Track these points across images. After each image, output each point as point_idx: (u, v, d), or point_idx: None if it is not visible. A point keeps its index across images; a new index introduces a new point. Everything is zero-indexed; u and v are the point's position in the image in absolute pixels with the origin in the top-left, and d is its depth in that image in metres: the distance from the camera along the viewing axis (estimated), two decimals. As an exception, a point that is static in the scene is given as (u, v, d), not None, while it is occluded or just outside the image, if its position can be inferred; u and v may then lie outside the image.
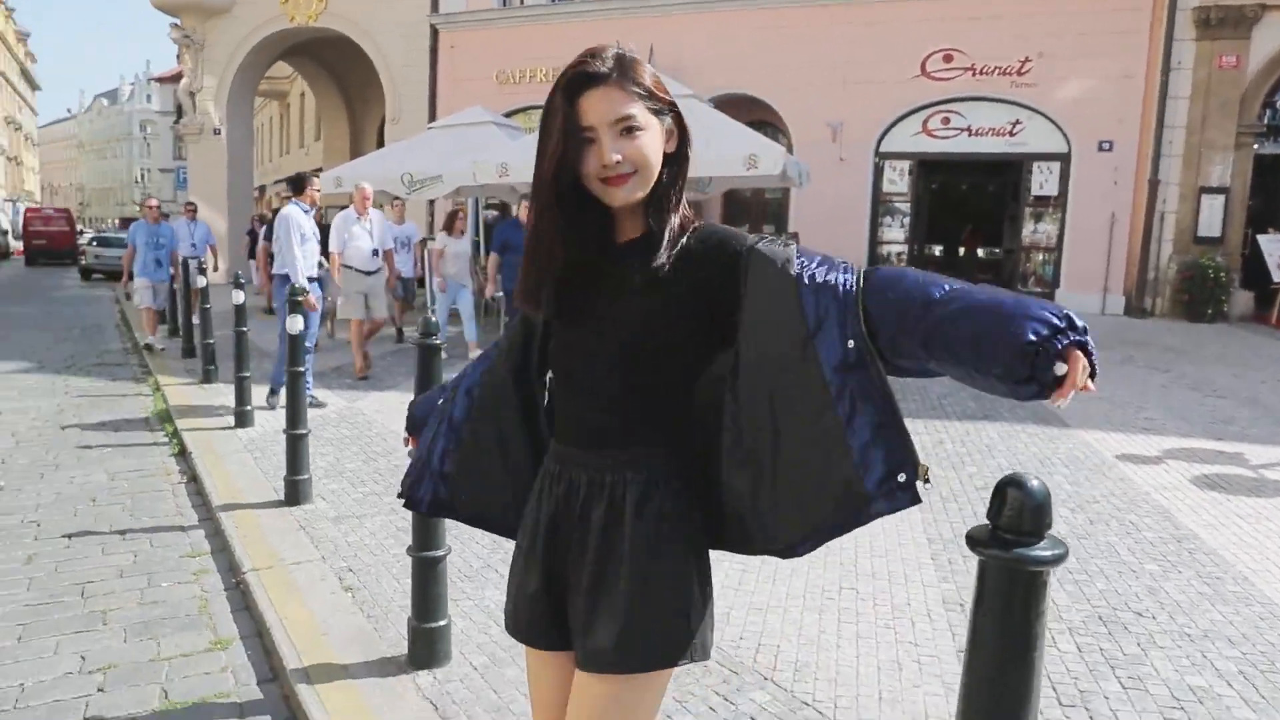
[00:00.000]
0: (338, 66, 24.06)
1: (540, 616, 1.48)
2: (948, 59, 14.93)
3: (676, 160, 1.44)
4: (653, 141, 1.39)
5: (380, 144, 20.60)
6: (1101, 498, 4.72)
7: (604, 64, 1.37)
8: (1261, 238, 13.78)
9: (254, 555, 3.94)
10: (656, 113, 1.40)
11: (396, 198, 11.06)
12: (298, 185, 7.16)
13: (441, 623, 2.92)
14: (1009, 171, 16.36)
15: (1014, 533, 1.13)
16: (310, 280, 6.77)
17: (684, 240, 1.41)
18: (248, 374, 6.35)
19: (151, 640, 3.30)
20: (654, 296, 1.37)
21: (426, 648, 2.91)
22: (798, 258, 1.32)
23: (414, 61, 18.91)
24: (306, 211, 7.06)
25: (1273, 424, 6.72)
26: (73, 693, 2.91)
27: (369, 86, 21.92)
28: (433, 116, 17.69)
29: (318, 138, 28.12)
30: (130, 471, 5.48)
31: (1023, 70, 14.53)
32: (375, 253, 8.20)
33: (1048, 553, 1.12)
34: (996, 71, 14.69)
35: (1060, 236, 14.83)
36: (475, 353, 9.06)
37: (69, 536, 4.34)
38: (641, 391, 1.40)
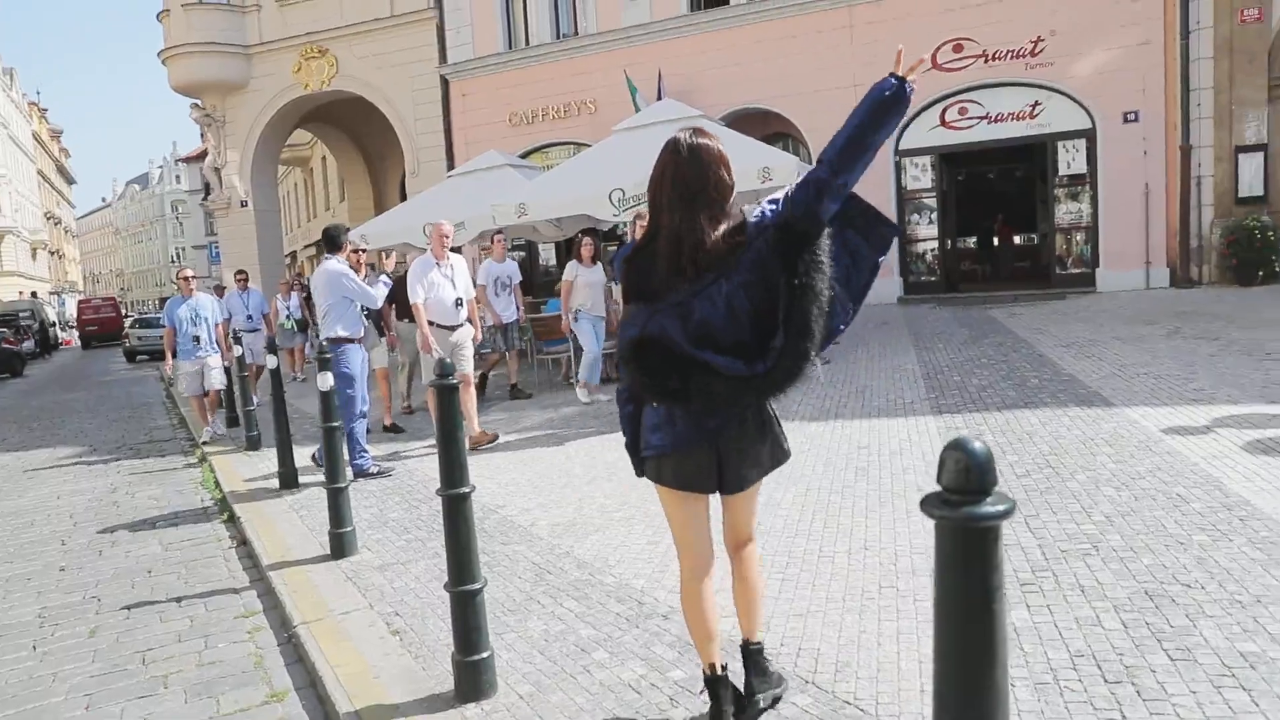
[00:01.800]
0: (354, 127, 24.71)
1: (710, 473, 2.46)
2: (958, 49, 14.85)
3: None
4: None
5: (403, 198, 21.04)
6: (1147, 474, 4.62)
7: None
8: (1305, 192, 13.39)
9: (304, 609, 4.03)
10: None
11: (499, 232, 10.22)
12: (333, 242, 6.60)
13: (484, 655, 2.96)
14: (1034, 154, 16.15)
15: (960, 493, 1.17)
16: (351, 341, 6.43)
17: None
18: (290, 436, 6.51)
19: (211, 699, 3.39)
20: None
21: (471, 680, 2.95)
22: None
23: (427, 114, 19.36)
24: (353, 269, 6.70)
25: (1328, 381, 6.51)
26: (136, 756, 3.01)
27: (387, 143, 22.48)
28: (451, 165, 18.06)
29: (342, 199, 28.83)
30: (183, 541, 5.65)
31: (1036, 51, 14.39)
32: (459, 303, 7.12)
33: (993, 508, 1.16)
34: (1009, 55, 14.57)
35: (1095, 215, 14.57)
36: (583, 394, 8.51)
37: (128, 608, 4.49)
38: None
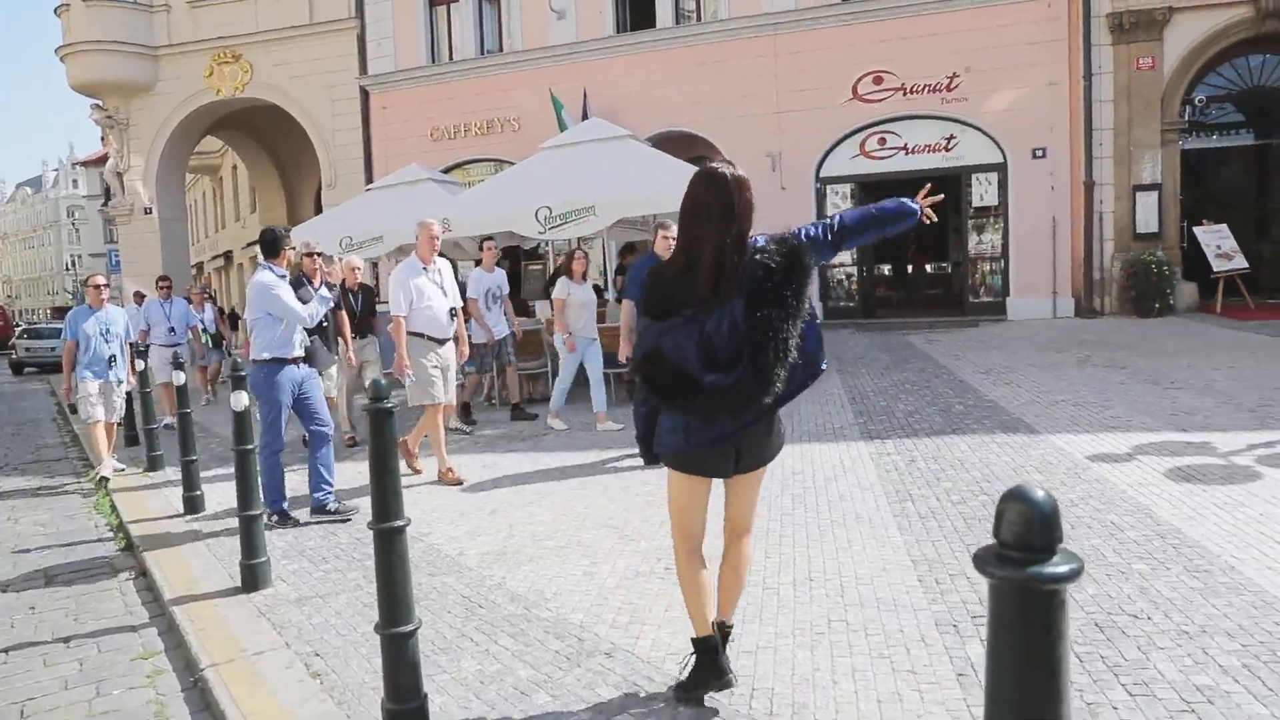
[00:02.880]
0: (269, 136, 23.89)
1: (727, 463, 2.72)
2: (878, 80, 15.23)
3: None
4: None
5: (318, 211, 20.40)
6: (1080, 501, 4.67)
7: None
8: (1197, 230, 14.12)
9: (212, 649, 3.71)
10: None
11: (489, 238, 9.15)
12: (271, 246, 5.58)
13: (418, 703, 2.73)
14: (948, 185, 16.59)
15: (1024, 550, 1.03)
16: (281, 362, 5.49)
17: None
18: (195, 457, 6.10)
19: (102, 755, 3.05)
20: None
21: (402, 733, 2.72)
22: None
23: (346, 125, 18.84)
24: (281, 277, 5.62)
25: (1232, 411, 6.77)
26: (15, 824, 2.67)
27: (302, 153, 21.79)
28: (369, 179, 17.59)
29: (254, 209, 27.84)
30: (72, 572, 5.19)
31: (951, 86, 14.86)
32: (452, 314, 6.41)
33: (1063, 568, 1.02)
34: (927, 89, 15.00)
35: (1005, 245, 15.07)
36: (605, 424, 7.74)
37: (5, 651, 4.06)
38: None
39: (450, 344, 6.43)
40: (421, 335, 6.24)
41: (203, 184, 35.60)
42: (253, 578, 4.37)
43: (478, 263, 9.23)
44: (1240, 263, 13.73)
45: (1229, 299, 13.52)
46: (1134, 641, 3.02)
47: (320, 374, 6.12)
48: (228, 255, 33.10)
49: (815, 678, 2.97)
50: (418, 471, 6.56)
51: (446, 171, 16.74)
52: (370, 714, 2.95)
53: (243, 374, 4.55)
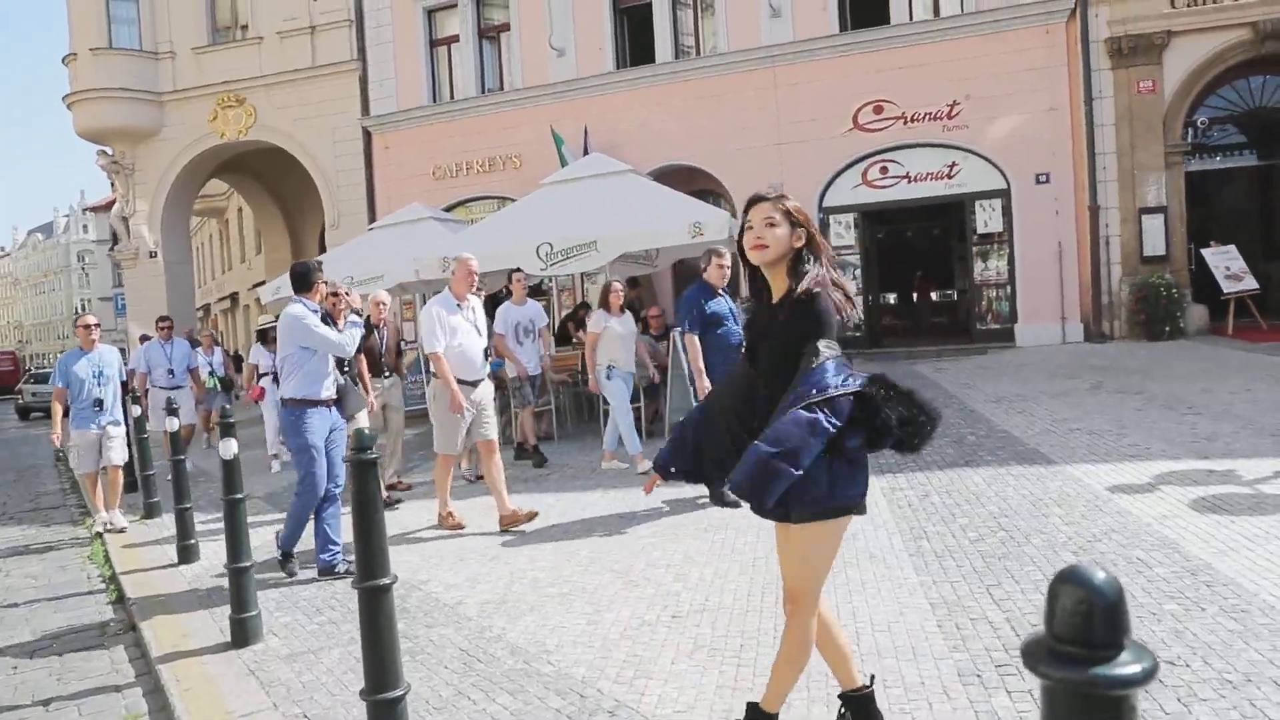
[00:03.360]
0: (272, 178, 23.99)
1: None
2: (878, 110, 15.20)
3: (804, 253, 2.54)
4: (782, 233, 2.53)
5: (322, 251, 20.40)
6: (1103, 535, 4.48)
7: (769, 192, 2.60)
8: (1205, 251, 13.97)
9: (196, 711, 3.53)
10: (790, 223, 2.55)
11: (516, 269, 8.82)
12: (303, 280, 5.34)
13: (405, 774, 2.56)
14: (952, 212, 16.56)
15: (1084, 646, 0.84)
16: (311, 404, 5.21)
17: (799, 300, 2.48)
18: (188, 505, 5.95)
19: (75, 832, 2.87)
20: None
21: (390, 806, 2.54)
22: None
23: (348, 166, 18.88)
24: (314, 311, 5.33)
25: (1254, 436, 6.57)
26: None
27: (306, 195, 21.84)
28: (372, 218, 17.58)
29: (259, 251, 27.88)
30: (61, 628, 5.03)
31: (952, 114, 14.81)
32: (486, 354, 6.17)
33: (1134, 668, 0.83)
34: (927, 117, 14.95)
35: (1011, 271, 14.92)
36: (643, 466, 7.17)
37: (-15, 714, 3.90)
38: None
39: (485, 384, 6.15)
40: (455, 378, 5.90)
41: (209, 227, 35.79)
42: (243, 633, 4.19)
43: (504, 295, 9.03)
44: (1250, 284, 13.56)
45: (1240, 320, 13.32)
46: (1173, 693, 2.82)
47: (351, 418, 5.78)
48: (233, 297, 33.16)
49: (832, 737, 2.78)
50: (461, 526, 6.08)
51: (449, 210, 16.72)
52: (359, 784, 2.77)
53: (231, 420, 4.41)
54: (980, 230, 15.20)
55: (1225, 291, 13.54)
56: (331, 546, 5.27)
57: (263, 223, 26.81)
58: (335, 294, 5.95)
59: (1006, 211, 14.83)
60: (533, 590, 4.60)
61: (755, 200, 2.57)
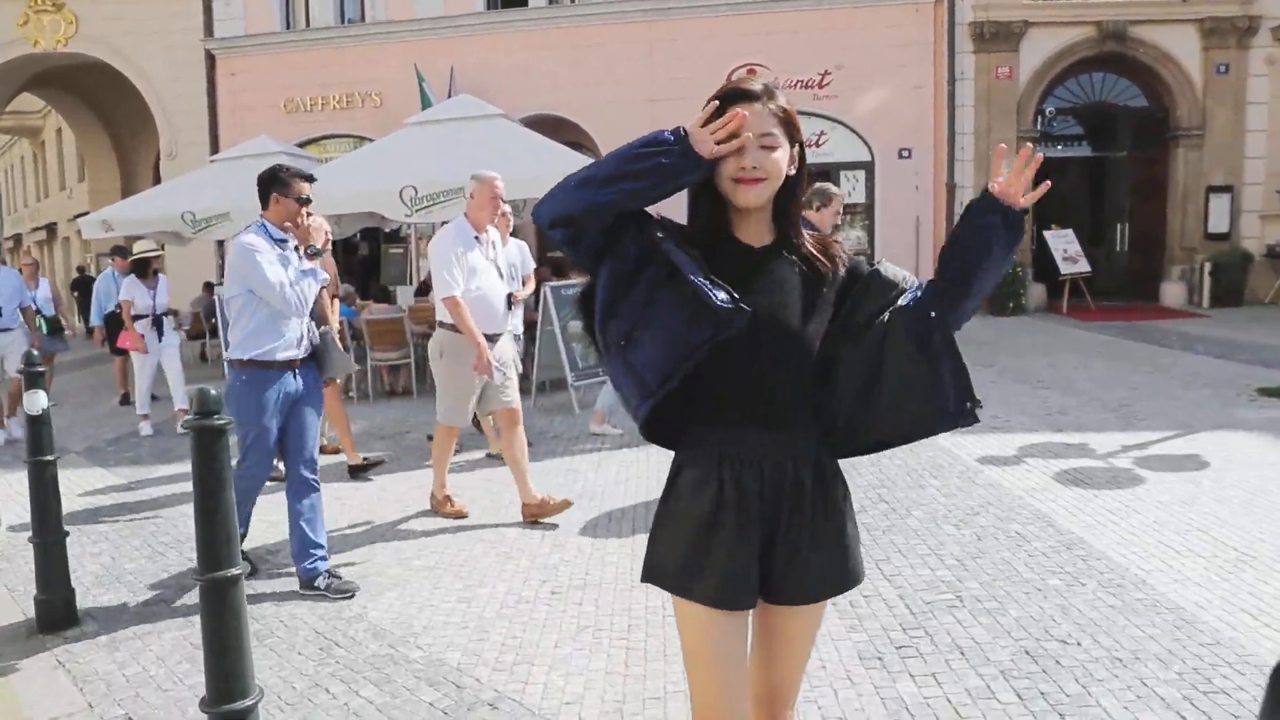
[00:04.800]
0: (99, 98, 21.63)
1: (750, 579, 1.64)
2: (752, 73, 15.09)
3: (797, 181, 1.67)
4: (783, 159, 1.62)
5: (157, 182, 18.64)
6: (980, 509, 4.53)
7: (757, 86, 1.63)
8: (1047, 234, 14.79)
9: (-10, 713, 2.99)
10: (789, 138, 1.64)
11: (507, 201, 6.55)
12: (263, 190, 3.95)
13: (253, 796, 2.18)
14: (817, 180, 16.82)
15: None
16: (263, 366, 3.86)
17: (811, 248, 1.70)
18: (-12, 463, 5.17)
19: None
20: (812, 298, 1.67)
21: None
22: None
23: (188, 91, 17.20)
24: (278, 241, 3.90)
25: (1100, 410, 6.92)
26: None
27: (139, 119, 19.84)
28: (215, 150, 16.15)
29: (81, 179, 25.30)
30: None
31: (823, 83, 14.95)
32: (509, 300, 4.99)
33: None
34: (799, 84, 15.02)
35: (871, 241, 15.33)
36: (602, 427, 6.66)
37: None
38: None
39: (506, 338, 4.99)
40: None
41: (20, 147, 32.20)
42: (50, 616, 3.62)
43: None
44: (1084, 266, 14.49)
45: (1073, 300, 14.23)
46: (1070, 673, 2.80)
47: (331, 383, 4.62)
48: (51, 228, 30.05)
49: (734, 729, 2.60)
50: (463, 515, 4.92)
51: (301, 146, 15.54)
52: (196, 800, 2.37)
53: (39, 370, 3.77)
54: (844, 200, 15.51)
55: (1062, 273, 14.40)
56: (314, 552, 3.91)
57: (87, 147, 24.23)
58: (305, 205, 4.00)
59: (870, 183, 15.19)
60: (396, 563, 4.22)
61: (737, 97, 1.60)
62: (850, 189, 15.41)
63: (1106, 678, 2.76)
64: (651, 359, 1.57)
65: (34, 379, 3.72)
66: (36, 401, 3.67)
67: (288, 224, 3.95)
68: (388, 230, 15.27)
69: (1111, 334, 11.51)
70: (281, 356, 3.87)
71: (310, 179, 4.05)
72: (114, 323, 9.34)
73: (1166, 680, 2.73)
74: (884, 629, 3.18)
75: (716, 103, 1.58)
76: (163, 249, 10.37)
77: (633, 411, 1.64)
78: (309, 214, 4.02)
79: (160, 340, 7.83)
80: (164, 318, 7.91)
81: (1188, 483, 4.85)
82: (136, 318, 7.72)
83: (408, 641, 3.34)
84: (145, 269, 7.93)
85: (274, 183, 3.92)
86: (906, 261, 14.99)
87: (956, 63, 14.66)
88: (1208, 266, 14.25)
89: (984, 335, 11.75)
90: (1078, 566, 3.70)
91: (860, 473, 5.31)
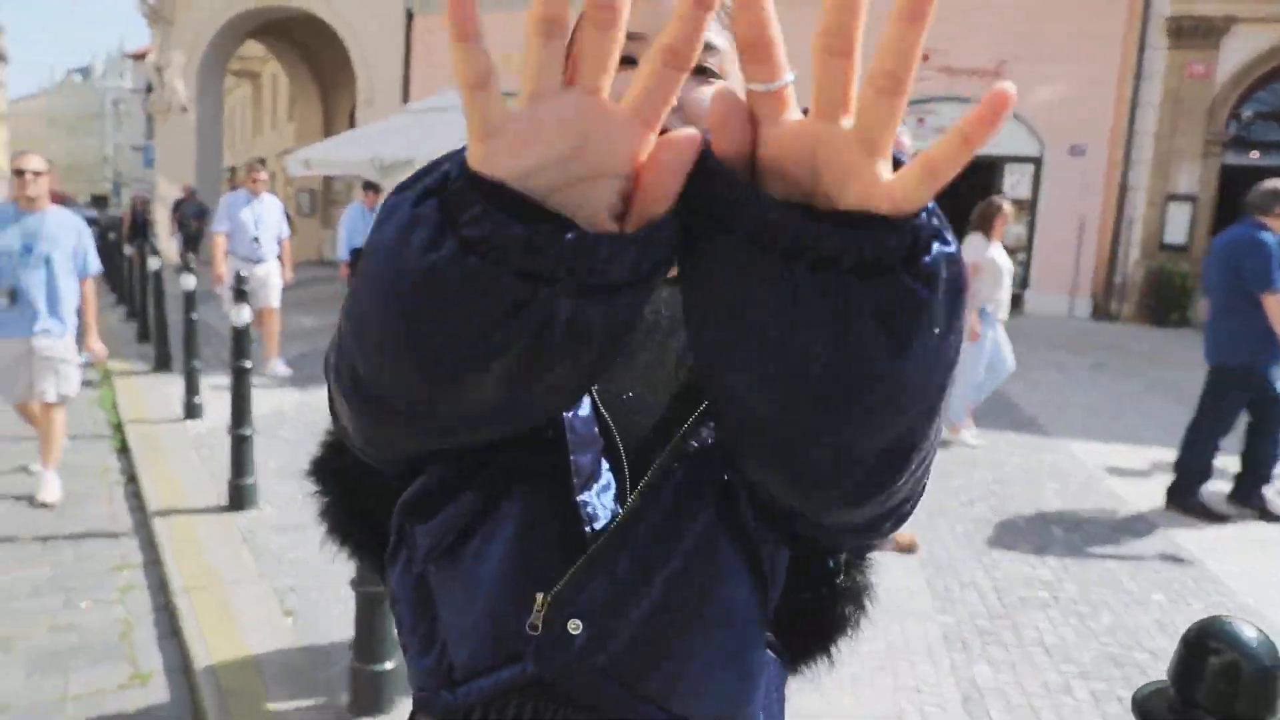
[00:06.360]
0: (310, 47, 23.39)
1: None
2: (924, 58, 14.71)
3: None
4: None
5: (352, 126, 20.00)
6: (1094, 516, 4.52)
7: None
8: (1227, 246, 13.83)
9: (187, 571, 3.57)
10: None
11: None
12: None
13: (388, 666, 2.60)
14: (982, 173, 16.25)
15: (1223, 714, 0.67)
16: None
17: None
18: (198, 362, 5.95)
19: (59, 675, 2.91)
20: None
21: (370, 694, 2.60)
22: None
23: (388, 44, 18.38)
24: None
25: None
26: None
27: (341, 69, 21.30)
28: (406, 100, 17.18)
29: (290, 119, 27.34)
30: (65, 467, 5.03)
31: (998, 72, 14.41)
32: None
33: None
34: (971, 73, 14.56)
35: (1030, 238, 14.78)
36: None
37: (-20, 545, 3.93)
38: None
39: None
40: None
41: (243, 88, 34.91)
42: (239, 497, 4.24)
43: None
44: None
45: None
46: (1150, 680, 2.88)
47: None
48: (261, 162, 32.61)
49: (807, 685, 2.83)
50: None
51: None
52: (341, 667, 2.80)
53: (244, 288, 4.36)
54: (1009, 194, 14.95)
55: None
56: None
57: (297, 91, 26.27)
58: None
59: (1037, 178, 14.60)
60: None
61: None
62: (1015, 183, 14.86)
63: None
64: None
65: (241, 295, 4.31)
66: (241, 314, 4.25)
67: None
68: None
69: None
70: None
71: None
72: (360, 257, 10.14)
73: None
74: (971, 615, 3.32)
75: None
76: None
77: None
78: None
79: None
80: None
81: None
82: None
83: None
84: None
85: None
86: (1066, 260, 14.40)
87: (1145, 58, 13.81)
88: None
89: (1138, 346, 11.24)
90: (1187, 586, 3.69)
91: (977, 467, 5.35)
